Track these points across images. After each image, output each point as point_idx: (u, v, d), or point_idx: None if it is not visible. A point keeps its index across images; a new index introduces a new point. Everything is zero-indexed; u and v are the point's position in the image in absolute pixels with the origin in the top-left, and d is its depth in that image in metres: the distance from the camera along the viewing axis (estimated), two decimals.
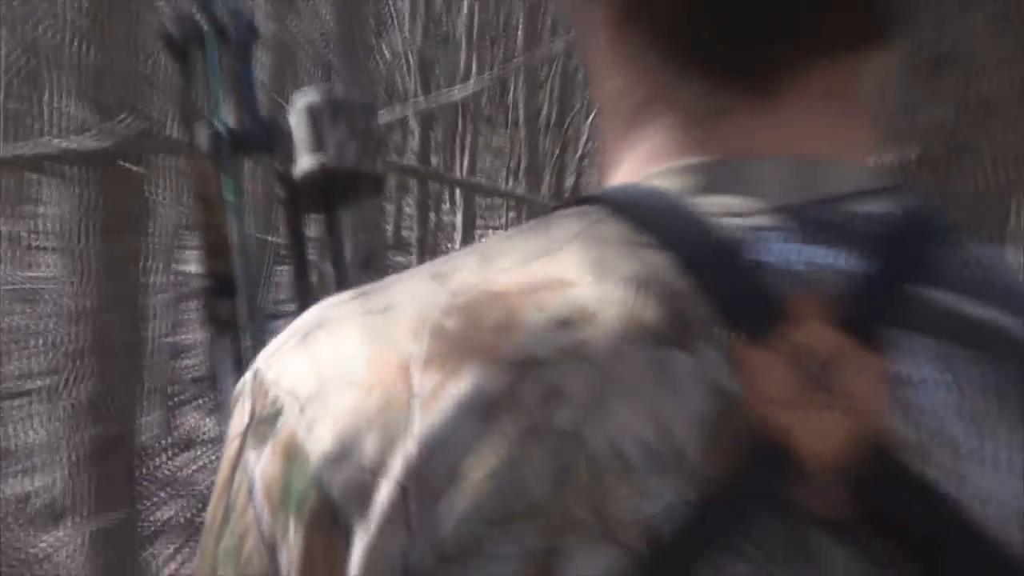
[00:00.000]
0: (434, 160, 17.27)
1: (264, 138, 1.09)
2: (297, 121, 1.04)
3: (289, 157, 1.05)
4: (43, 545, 5.05)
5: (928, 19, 2.40)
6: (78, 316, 3.89)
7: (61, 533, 4.17)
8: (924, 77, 2.40)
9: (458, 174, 15.97)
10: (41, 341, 5.50)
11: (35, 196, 12.94)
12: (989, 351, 0.60)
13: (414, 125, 17.35)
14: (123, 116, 3.75)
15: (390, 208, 18.85)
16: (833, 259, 0.61)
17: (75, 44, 3.76)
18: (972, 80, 2.45)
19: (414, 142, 17.95)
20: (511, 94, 19.66)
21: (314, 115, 1.04)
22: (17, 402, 6.79)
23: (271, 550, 0.61)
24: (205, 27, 1.08)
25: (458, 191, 15.55)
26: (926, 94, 2.44)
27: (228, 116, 1.09)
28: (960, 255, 0.65)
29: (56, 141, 3.86)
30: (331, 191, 1.06)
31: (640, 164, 0.67)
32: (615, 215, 0.63)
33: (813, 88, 0.65)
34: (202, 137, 1.09)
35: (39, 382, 5.23)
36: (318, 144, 1.03)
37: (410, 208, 18.86)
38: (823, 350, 0.58)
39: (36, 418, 6.06)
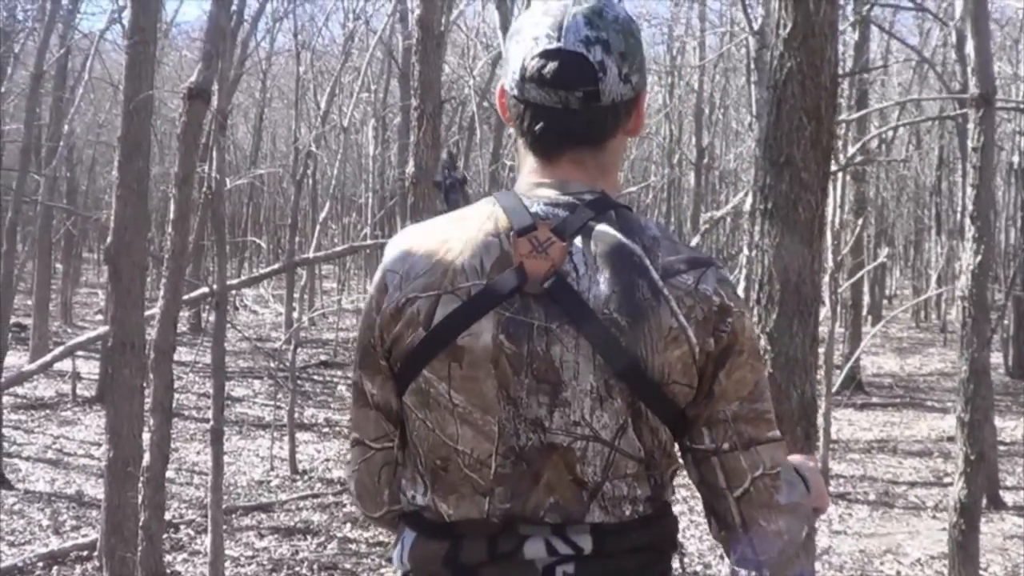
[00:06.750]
0: None
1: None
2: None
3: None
4: None
5: None
6: None
7: None
8: None
9: None
10: None
11: None
12: (607, 243, 1.97)
13: None
14: None
15: None
16: (559, 212, 2.02)
17: None
18: None
19: None
20: None
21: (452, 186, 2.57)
22: None
23: (372, 300, 2.09)
24: (445, 180, 2.53)
25: None
26: None
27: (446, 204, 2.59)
28: (618, 213, 2.03)
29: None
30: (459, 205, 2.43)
31: (520, 183, 2.11)
32: (496, 199, 2.07)
33: (567, 160, 2.07)
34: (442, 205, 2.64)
35: None
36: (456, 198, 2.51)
37: None
38: (544, 239, 1.98)
39: None
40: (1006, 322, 21.87)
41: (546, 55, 2.01)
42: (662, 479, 2.04)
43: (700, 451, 2.02)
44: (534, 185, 2.08)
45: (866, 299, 26.40)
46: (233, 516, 12.03)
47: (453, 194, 2.45)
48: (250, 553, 10.96)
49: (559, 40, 2.01)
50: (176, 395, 9.85)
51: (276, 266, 14.87)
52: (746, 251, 12.08)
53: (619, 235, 1.99)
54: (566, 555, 1.97)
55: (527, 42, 2.04)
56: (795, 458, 2.20)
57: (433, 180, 2.68)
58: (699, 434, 2.01)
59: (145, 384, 8.00)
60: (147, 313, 8.55)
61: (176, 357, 7.83)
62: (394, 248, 2.10)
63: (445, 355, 1.97)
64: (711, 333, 1.97)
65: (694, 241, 12.09)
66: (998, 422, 15.14)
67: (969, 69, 8.55)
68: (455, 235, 2.03)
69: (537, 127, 2.05)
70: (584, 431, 1.95)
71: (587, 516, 1.97)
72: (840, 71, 5.30)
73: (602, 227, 1.99)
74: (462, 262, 1.99)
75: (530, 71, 2.02)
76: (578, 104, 2.02)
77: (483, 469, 1.99)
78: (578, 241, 1.98)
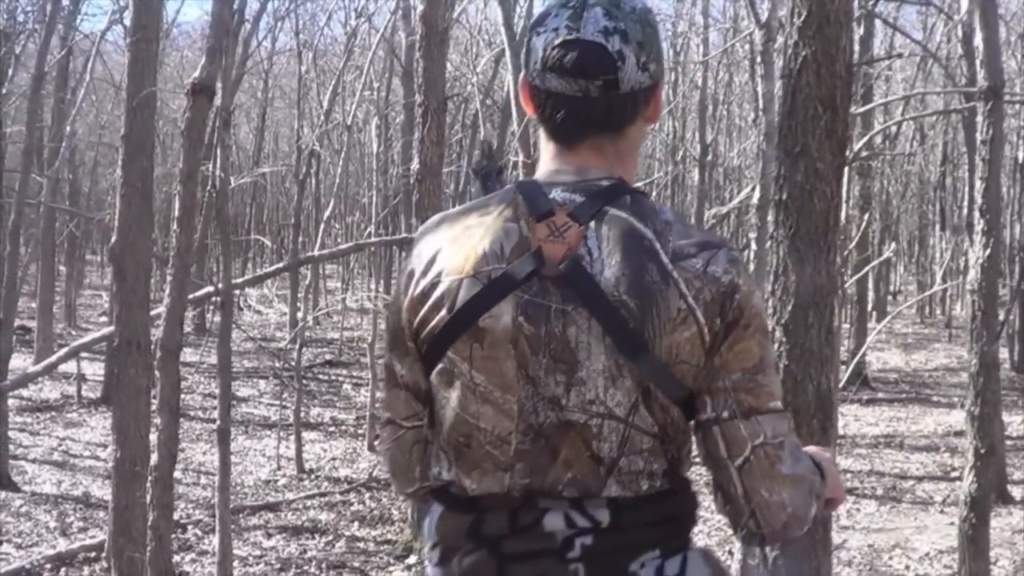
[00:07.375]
0: None
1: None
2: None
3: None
4: None
5: None
6: None
7: None
8: None
9: None
10: None
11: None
12: (620, 228, 2.04)
13: None
14: None
15: None
16: (576, 198, 2.09)
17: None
18: None
19: None
20: None
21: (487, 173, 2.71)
22: None
23: (400, 285, 2.20)
24: (483, 169, 2.60)
25: None
26: None
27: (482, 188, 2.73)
28: (634, 199, 2.09)
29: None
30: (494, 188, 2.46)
31: (541, 170, 2.20)
32: (517, 187, 2.16)
33: (587, 147, 2.15)
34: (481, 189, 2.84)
35: None
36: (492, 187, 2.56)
37: None
38: (561, 223, 2.07)
39: None
40: (1012, 317, 21.84)
41: (566, 45, 2.10)
42: (678, 454, 2.14)
43: (703, 422, 2.10)
44: (554, 172, 2.18)
45: (871, 295, 26.44)
46: (240, 516, 12.06)
47: (491, 183, 2.54)
48: (258, 552, 10.99)
49: (579, 31, 2.10)
50: (182, 395, 9.86)
51: (280, 265, 14.88)
52: (753, 246, 12.07)
53: (632, 219, 2.08)
54: (584, 528, 2.06)
55: (548, 33, 2.13)
56: (810, 449, 2.27)
57: (472, 169, 2.86)
58: (702, 404, 2.09)
59: (151, 384, 7.97)
60: (152, 313, 8.53)
61: (181, 357, 7.80)
62: (422, 236, 2.23)
63: (468, 336, 2.08)
64: (719, 312, 2.05)
65: None
66: (1005, 417, 15.11)
67: (977, 62, 8.50)
68: (478, 221, 2.14)
69: (558, 115, 2.15)
70: (599, 409, 2.04)
71: (604, 490, 2.07)
72: None
73: (616, 212, 2.08)
74: (483, 247, 2.09)
75: (551, 61, 2.11)
76: (598, 92, 2.11)
77: (504, 446, 2.09)
78: (593, 225, 2.07)
